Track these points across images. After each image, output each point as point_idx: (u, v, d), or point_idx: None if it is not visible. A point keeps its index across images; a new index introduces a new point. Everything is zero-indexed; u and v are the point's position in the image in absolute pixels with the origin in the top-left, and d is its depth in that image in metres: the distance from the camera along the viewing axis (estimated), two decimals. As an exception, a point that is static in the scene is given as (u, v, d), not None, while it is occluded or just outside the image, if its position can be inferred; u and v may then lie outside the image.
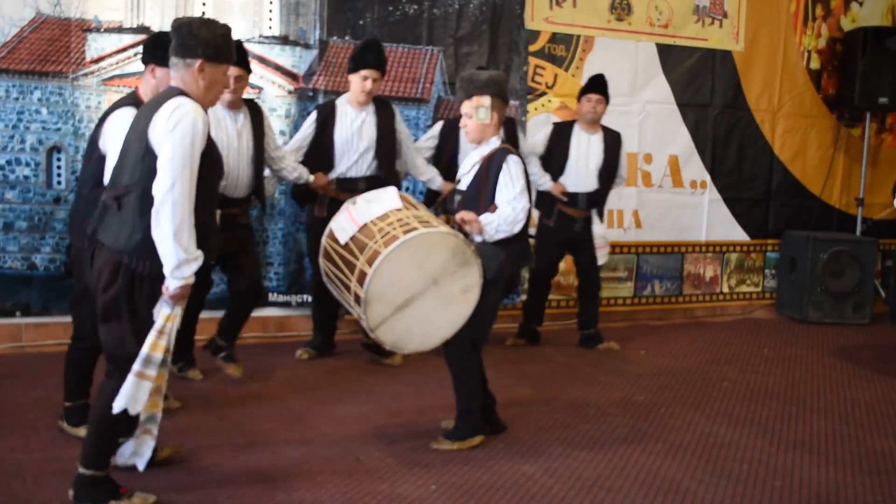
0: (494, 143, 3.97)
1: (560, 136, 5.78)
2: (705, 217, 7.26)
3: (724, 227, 7.34)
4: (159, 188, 2.89)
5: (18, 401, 4.36)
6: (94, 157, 3.64)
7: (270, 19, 5.73)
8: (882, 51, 7.29)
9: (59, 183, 5.35)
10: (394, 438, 4.04)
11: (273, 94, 5.70)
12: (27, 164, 5.27)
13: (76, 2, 5.30)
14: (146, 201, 2.92)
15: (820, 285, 7.14)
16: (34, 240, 5.30)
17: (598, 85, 5.69)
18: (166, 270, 2.94)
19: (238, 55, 3.89)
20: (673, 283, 7.19)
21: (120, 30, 5.42)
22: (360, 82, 4.97)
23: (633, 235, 6.95)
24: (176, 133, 2.91)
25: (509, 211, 3.83)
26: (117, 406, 3.00)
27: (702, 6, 7.05)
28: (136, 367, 2.99)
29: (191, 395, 4.49)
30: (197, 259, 2.97)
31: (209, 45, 3.06)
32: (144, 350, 2.99)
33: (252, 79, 5.09)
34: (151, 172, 2.92)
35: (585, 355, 5.83)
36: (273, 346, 5.62)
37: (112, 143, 3.44)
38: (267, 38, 5.72)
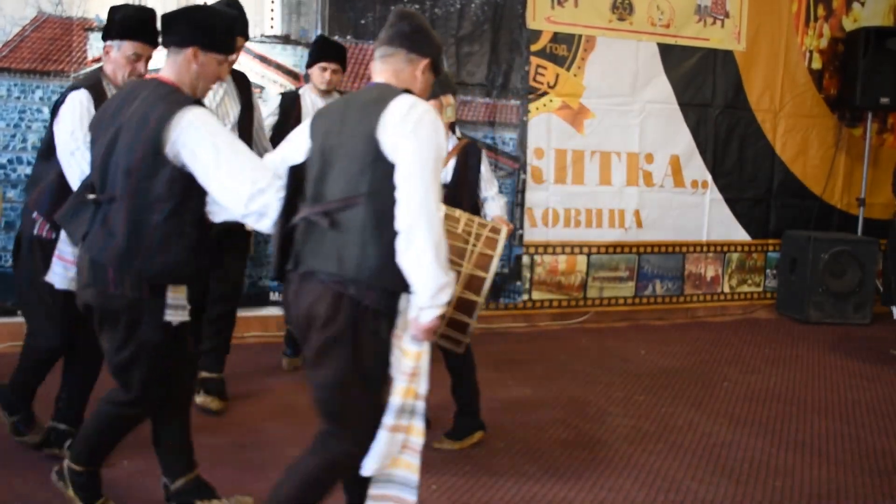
0: (453, 137, 4.12)
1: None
2: (706, 217, 7.25)
3: (725, 226, 7.34)
4: (410, 202, 2.41)
5: (19, 399, 4.36)
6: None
7: (272, 18, 5.74)
8: (883, 51, 7.28)
9: (60, 182, 5.35)
10: (394, 438, 4.04)
11: (274, 93, 5.69)
12: (29, 164, 5.27)
13: (78, 1, 5.30)
14: (383, 218, 2.45)
15: (821, 285, 7.13)
16: (35, 239, 5.30)
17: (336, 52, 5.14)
18: (423, 299, 2.43)
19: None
20: (674, 283, 7.19)
21: (121, 29, 5.42)
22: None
23: (634, 235, 6.95)
24: (421, 135, 2.45)
25: (503, 203, 4.07)
26: (369, 469, 2.52)
27: (703, 6, 7.04)
28: (388, 420, 2.50)
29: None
30: (451, 283, 2.49)
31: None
32: (397, 399, 2.51)
33: (253, 78, 5.09)
34: (387, 182, 2.46)
35: (586, 355, 5.83)
36: (273, 345, 5.62)
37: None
38: (268, 37, 5.73)
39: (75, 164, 3.31)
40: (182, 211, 2.79)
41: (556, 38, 6.55)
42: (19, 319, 5.28)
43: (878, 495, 3.64)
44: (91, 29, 5.34)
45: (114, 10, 3.57)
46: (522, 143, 6.47)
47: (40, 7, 5.23)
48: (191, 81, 2.90)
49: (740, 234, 7.43)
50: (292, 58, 5.76)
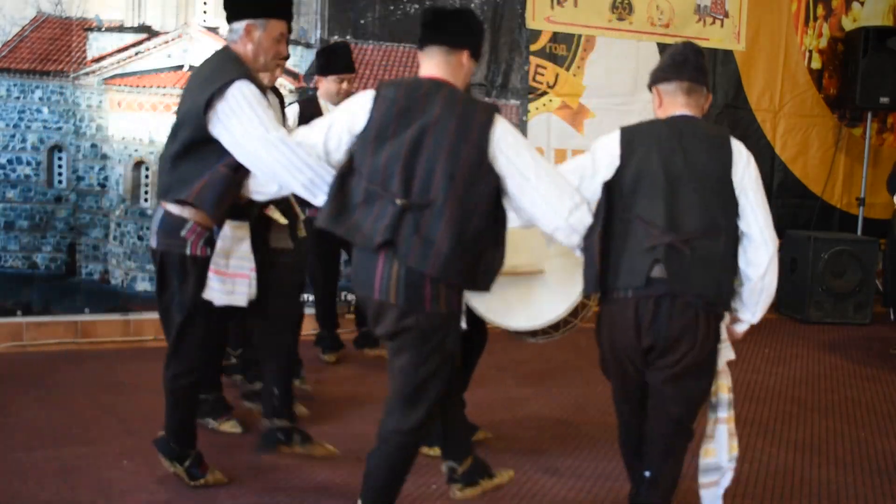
0: None
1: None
2: (706, 217, 7.24)
3: (725, 226, 7.33)
4: (768, 232, 2.80)
5: (19, 400, 4.36)
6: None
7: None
8: (883, 50, 7.28)
9: (60, 182, 5.36)
10: (394, 438, 4.03)
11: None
12: (28, 164, 5.28)
13: (77, 1, 5.30)
14: (733, 249, 2.81)
15: (821, 285, 7.13)
16: (35, 239, 5.31)
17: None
18: (755, 315, 3.01)
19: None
20: (674, 283, 7.17)
21: (121, 29, 5.42)
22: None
23: (633, 235, 6.94)
24: (758, 173, 2.85)
25: None
26: (717, 463, 3.08)
27: (703, 6, 7.05)
28: (722, 414, 3.04)
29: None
30: None
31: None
32: (724, 394, 3.05)
33: (253, 78, 5.09)
34: (734, 219, 2.79)
35: (586, 355, 5.82)
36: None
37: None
38: (268, 37, 5.71)
39: (287, 152, 2.83)
40: (499, 218, 2.76)
41: (556, 37, 6.55)
42: (19, 319, 5.31)
43: (878, 495, 3.64)
44: (90, 29, 5.34)
45: None
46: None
47: (40, 7, 5.23)
48: (462, 83, 2.86)
49: (740, 234, 7.42)
50: (292, 58, 5.75)
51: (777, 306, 7.50)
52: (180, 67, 5.53)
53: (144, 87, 5.46)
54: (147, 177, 5.52)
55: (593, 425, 4.34)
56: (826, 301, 7.16)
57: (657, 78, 3.06)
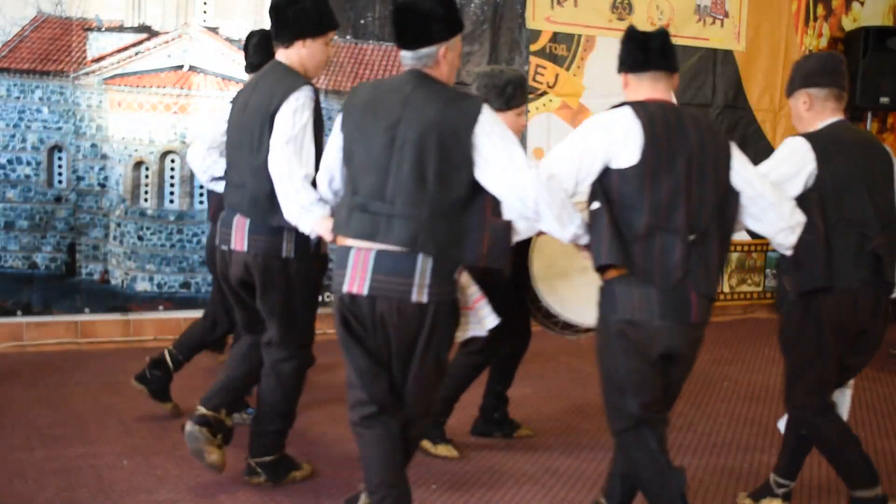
0: None
1: None
2: (706, 217, 7.25)
3: (724, 226, 7.34)
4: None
5: (19, 400, 4.36)
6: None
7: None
8: (883, 51, 7.28)
9: (59, 182, 5.36)
10: (394, 438, 4.03)
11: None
12: (28, 164, 5.28)
13: (77, 1, 5.30)
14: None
15: (821, 285, 7.12)
16: (35, 239, 5.31)
17: None
18: None
19: None
20: (674, 283, 7.18)
21: (121, 29, 5.42)
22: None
23: (633, 235, 6.95)
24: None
25: None
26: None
27: (703, 6, 7.05)
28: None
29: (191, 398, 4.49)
30: None
31: None
32: None
33: (253, 78, 5.09)
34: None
35: (586, 355, 5.82)
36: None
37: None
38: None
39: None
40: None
41: (556, 37, 6.55)
42: (19, 319, 5.31)
43: (879, 495, 3.63)
44: (90, 29, 5.34)
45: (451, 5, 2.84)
46: (522, 142, 6.45)
47: (40, 7, 5.22)
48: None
49: (740, 234, 7.41)
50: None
51: (777, 306, 7.50)
52: (180, 67, 5.53)
53: (144, 87, 5.46)
54: (147, 177, 5.52)
55: (593, 425, 4.34)
56: (826, 301, 7.15)
57: (808, 83, 3.21)
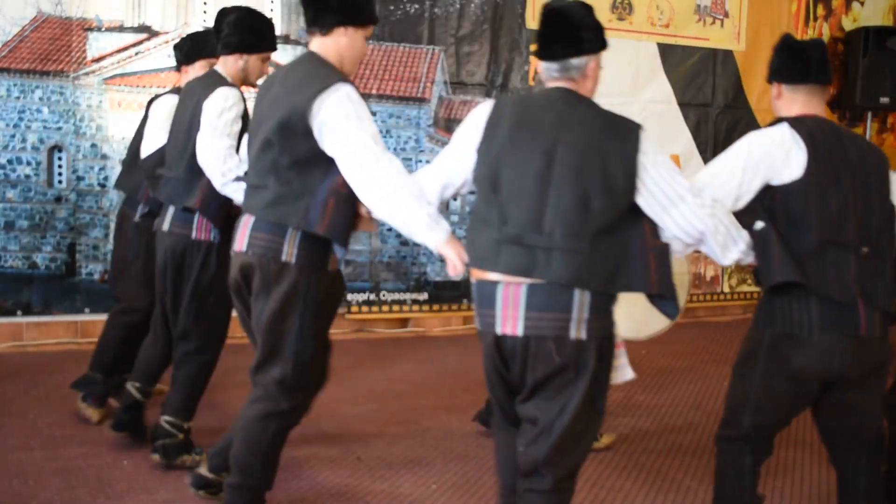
0: None
1: None
2: (706, 217, 7.25)
3: (725, 226, 7.34)
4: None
5: (19, 400, 4.36)
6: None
7: (271, 18, 5.73)
8: (883, 50, 7.28)
9: (59, 182, 5.36)
10: (394, 438, 4.04)
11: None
12: (28, 164, 5.28)
13: (77, 1, 5.30)
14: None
15: (821, 285, 7.13)
16: (35, 239, 5.31)
17: None
18: None
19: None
20: (674, 283, 7.18)
21: (121, 29, 5.43)
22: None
23: (634, 235, 6.95)
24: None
25: None
26: None
27: (703, 6, 7.05)
28: None
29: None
30: None
31: None
32: None
33: (253, 78, 5.09)
34: None
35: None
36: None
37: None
38: (268, 37, 5.72)
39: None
40: None
41: (556, 37, 6.54)
42: (19, 319, 5.31)
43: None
44: (90, 29, 5.35)
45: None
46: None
47: (40, 7, 5.23)
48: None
49: (740, 234, 7.43)
50: (292, 58, 5.74)
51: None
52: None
53: (144, 87, 5.46)
54: (147, 177, 5.52)
55: (593, 425, 4.34)
56: (826, 301, 7.16)
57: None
